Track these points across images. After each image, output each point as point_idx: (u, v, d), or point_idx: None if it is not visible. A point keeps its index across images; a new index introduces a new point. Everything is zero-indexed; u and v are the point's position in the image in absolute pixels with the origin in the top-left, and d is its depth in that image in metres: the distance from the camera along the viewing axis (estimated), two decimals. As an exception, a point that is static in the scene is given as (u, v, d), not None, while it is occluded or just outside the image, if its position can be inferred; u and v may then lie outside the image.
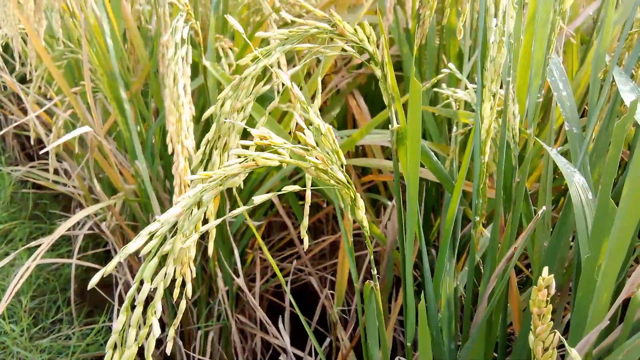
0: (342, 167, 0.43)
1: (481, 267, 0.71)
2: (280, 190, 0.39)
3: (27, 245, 0.98)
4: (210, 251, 0.42)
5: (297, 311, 0.55)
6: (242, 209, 0.36)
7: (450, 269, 0.65)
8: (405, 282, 0.54)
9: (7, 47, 1.48)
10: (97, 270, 1.45)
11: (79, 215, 0.92)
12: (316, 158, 0.41)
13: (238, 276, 1.08)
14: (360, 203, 0.45)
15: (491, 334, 0.61)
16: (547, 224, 0.70)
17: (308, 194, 0.47)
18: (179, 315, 0.46)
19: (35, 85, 1.06)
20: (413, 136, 0.49)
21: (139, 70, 1.13)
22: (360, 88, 1.18)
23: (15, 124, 1.07)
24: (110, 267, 0.35)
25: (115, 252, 1.34)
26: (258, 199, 0.35)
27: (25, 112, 1.47)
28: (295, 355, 1.05)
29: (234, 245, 1.06)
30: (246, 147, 0.36)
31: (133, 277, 1.21)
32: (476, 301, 0.63)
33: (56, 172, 1.41)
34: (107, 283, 1.34)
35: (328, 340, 1.10)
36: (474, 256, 0.58)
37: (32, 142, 1.61)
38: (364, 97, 1.16)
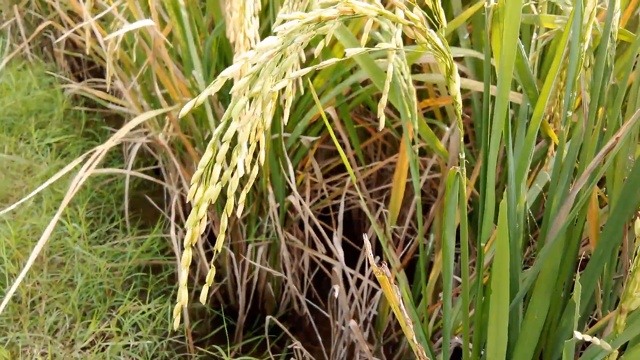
0: (441, 29, 0.40)
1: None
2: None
3: (82, 156, 0.99)
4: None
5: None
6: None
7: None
8: (487, 177, 0.52)
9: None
10: (148, 186, 1.47)
11: (138, 120, 0.92)
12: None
13: (290, 193, 1.08)
14: (456, 75, 0.42)
15: (572, 236, 0.57)
16: (634, 137, 0.64)
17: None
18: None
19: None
20: (512, 11, 0.45)
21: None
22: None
23: (71, 30, 1.06)
24: (201, 99, 0.34)
25: (165, 170, 1.35)
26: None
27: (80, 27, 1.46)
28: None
29: (288, 160, 1.04)
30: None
31: (184, 192, 1.22)
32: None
33: (108, 92, 1.42)
34: (160, 201, 1.36)
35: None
36: (563, 149, 0.54)
37: (82, 64, 1.60)
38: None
